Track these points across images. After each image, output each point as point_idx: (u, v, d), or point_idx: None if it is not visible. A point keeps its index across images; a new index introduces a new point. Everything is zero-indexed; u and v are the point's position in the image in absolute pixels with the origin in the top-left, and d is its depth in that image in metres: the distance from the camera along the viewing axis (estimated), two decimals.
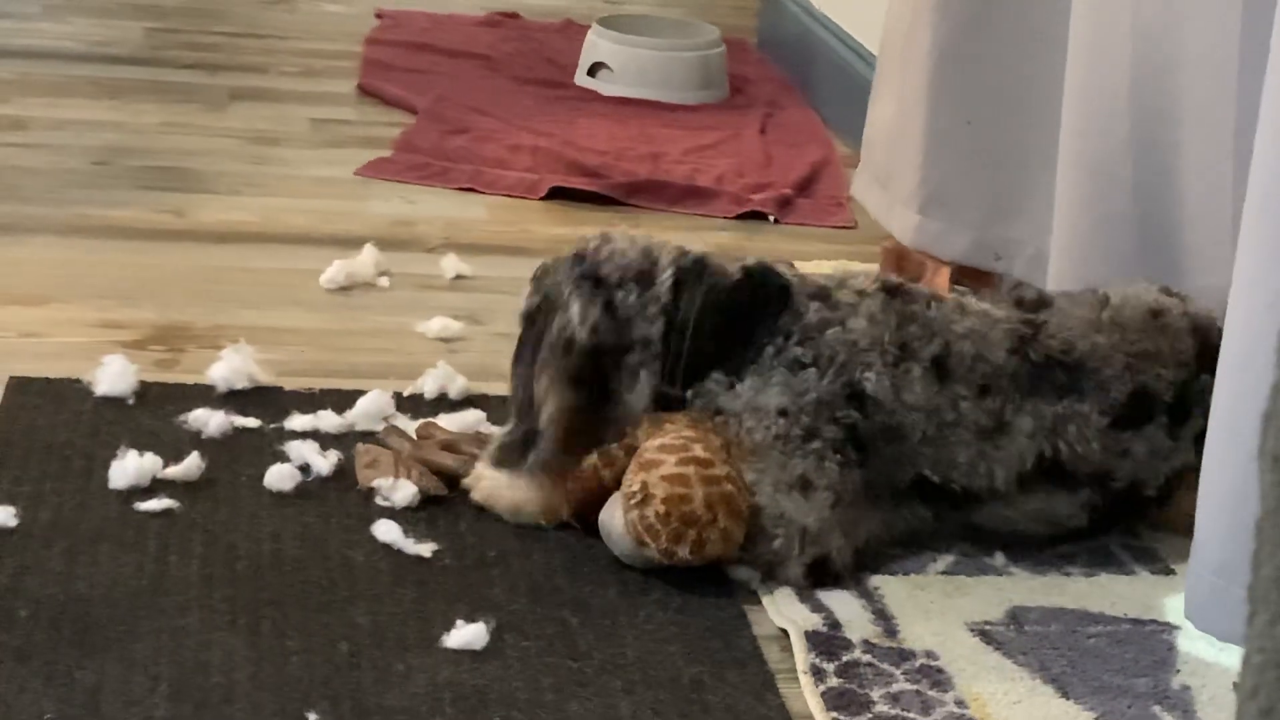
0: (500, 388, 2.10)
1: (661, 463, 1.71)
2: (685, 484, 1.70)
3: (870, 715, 1.56)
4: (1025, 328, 1.86)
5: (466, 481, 1.85)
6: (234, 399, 2.04)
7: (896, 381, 1.80)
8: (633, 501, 1.71)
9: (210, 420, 1.95)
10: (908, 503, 1.83)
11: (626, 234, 1.86)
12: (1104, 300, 1.91)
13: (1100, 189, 2.17)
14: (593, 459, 1.83)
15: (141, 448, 1.86)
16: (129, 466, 1.82)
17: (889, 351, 1.80)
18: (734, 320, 1.82)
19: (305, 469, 1.89)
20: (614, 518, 1.75)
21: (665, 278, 1.81)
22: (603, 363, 1.80)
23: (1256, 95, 1.72)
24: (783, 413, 1.77)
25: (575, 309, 1.79)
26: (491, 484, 1.83)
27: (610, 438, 1.83)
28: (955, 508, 1.84)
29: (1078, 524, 1.86)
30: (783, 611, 1.71)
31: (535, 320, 1.83)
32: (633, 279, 1.81)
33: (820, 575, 1.76)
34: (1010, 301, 1.92)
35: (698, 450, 1.72)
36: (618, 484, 1.76)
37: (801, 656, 1.64)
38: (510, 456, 1.81)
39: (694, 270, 1.83)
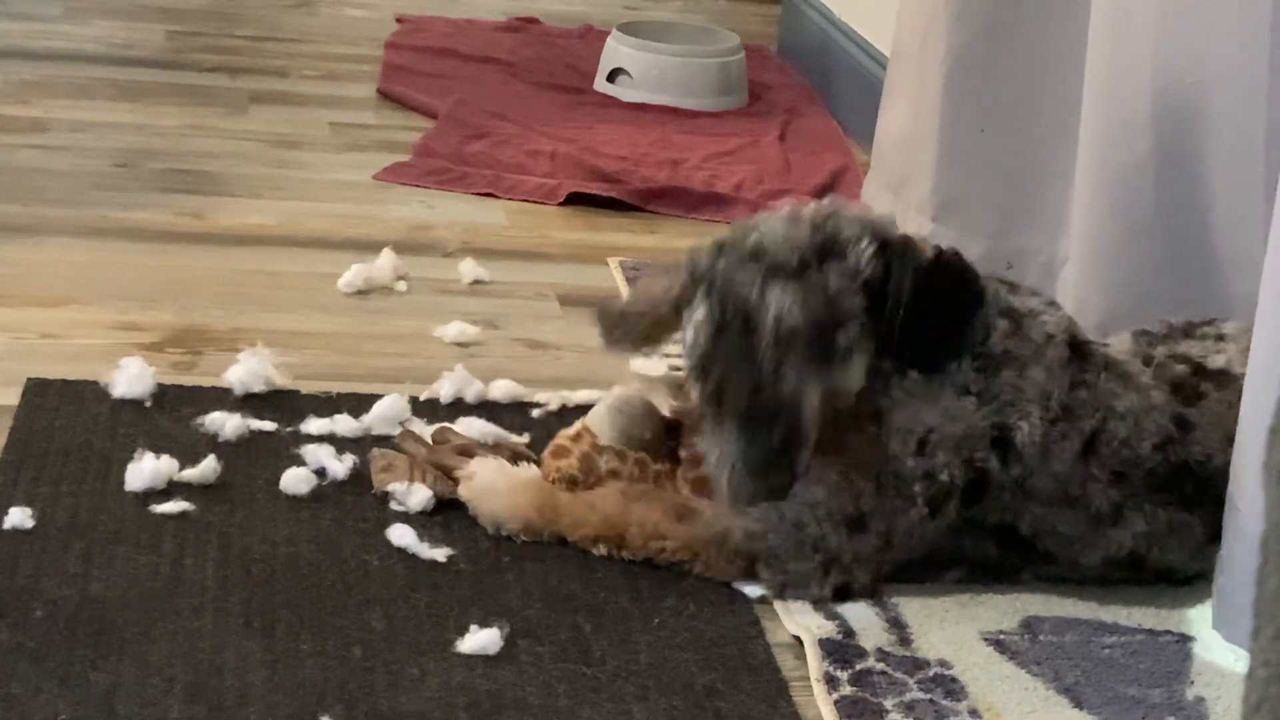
0: (516, 392, 2.11)
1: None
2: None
3: None
4: (1176, 428, 1.79)
5: (459, 473, 1.84)
6: (251, 402, 2.04)
7: (1048, 443, 1.74)
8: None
9: (227, 423, 1.96)
10: (977, 536, 1.78)
11: (763, 220, 1.72)
12: None
13: (1125, 200, 2.16)
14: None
15: (158, 450, 1.86)
16: (145, 469, 1.83)
17: (1052, 409, 1.74)
18: (936, 308, 1.72)
19: (321, 473, 1.89)
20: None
21: (864, 248, 1.68)
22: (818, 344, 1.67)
23: None
24: (922, 444, 1.72)
25: (775, 297, 1.65)
26: (481, 485, 1.81)
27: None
28: (1027, 559, 1.80)
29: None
30: (797, 619, 1.71)
31: (723, 330, 1.68)
32: (815, 256, 1.67)
33: (840, 595, 1.74)
34: (1169, 381, 1.82)
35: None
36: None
37: (815, 664, 1.64)
38: (777, 472, 1.67)
39: (896, 246, 1.71)
